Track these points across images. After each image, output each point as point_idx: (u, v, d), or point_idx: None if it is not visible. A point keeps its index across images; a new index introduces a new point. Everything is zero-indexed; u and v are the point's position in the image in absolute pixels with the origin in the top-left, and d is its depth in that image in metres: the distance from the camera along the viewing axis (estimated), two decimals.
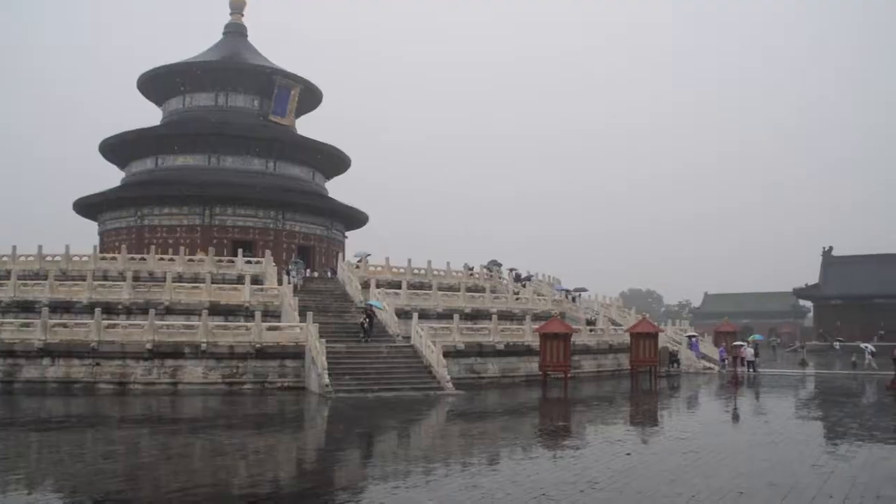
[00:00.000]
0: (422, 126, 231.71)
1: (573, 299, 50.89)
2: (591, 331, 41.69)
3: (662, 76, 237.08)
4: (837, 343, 71.63)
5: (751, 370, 41.83)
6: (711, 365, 44.94)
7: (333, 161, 61.51)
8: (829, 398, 28.85)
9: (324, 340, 28.74)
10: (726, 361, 44.53)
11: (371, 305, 34.43)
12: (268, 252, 43.42)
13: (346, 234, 63.94)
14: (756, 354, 44.43)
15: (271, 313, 33.90)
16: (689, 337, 48.33)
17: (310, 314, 31.01)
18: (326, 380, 26.93)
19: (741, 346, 45.35)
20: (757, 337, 52.32)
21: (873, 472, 13.14)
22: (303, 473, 14.21)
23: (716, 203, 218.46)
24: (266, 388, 28.88)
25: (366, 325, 32.84)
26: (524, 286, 49.46)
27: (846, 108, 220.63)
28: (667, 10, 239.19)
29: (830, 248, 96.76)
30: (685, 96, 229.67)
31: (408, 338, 32.93)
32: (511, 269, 53.24)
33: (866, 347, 46.50)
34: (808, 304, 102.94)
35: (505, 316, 39.86)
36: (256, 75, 58.21)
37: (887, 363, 36.33)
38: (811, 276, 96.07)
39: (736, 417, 22.55)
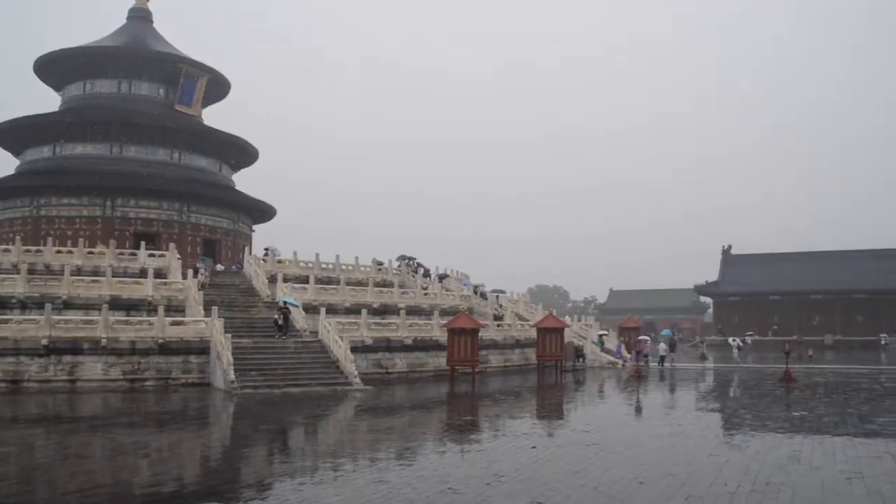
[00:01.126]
0: (352, 123, 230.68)
1: (482, 295, 51.31)
2: (498, 326, 42.16)
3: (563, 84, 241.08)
4: (748, 338, 74.17)
5: (661, 364, 42.92)
6: (616, 360, 45.97)
7: (241, 153, 60.41)
8: (726, 390, 29.94)
9: (229, 335, 28.28)
10: (629, 356, 45.60)
11: (286, 303, 33.90)
12: (172, 245, 42.36)
13: (254, 227, 62.95)
14: (673, 349, 45.74)
15: (175, 308, 33.15)
16: (601, 335, 49.35)
17: (215, 309, 30.47)
18: (232, 376, 26.50)
19: (644, 340, 46.56)
20: (666, 333, 53.76)
21: (765, 460, 13.68)
22: (207, 471, 13.97)
23: (623, 204, 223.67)
24: (170, 384, 28.25)
25: (280, 323, 32.31)
26: (441, 282, 49.58)
27: (748, 113, 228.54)
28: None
29: (729, 247, 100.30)
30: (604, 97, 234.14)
31: (315, 333, 32.66)
32: (418, 265, 53.12)
33: (734, 341, 48.12)
34: (709, 300, 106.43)
35: (413, 311, 39.94)
36: (162, 63, 56.61)
37: (778, 357, 37.80)
38: (712, 273, 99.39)
39: (638, 410, 23.14)
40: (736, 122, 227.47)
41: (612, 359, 45.93)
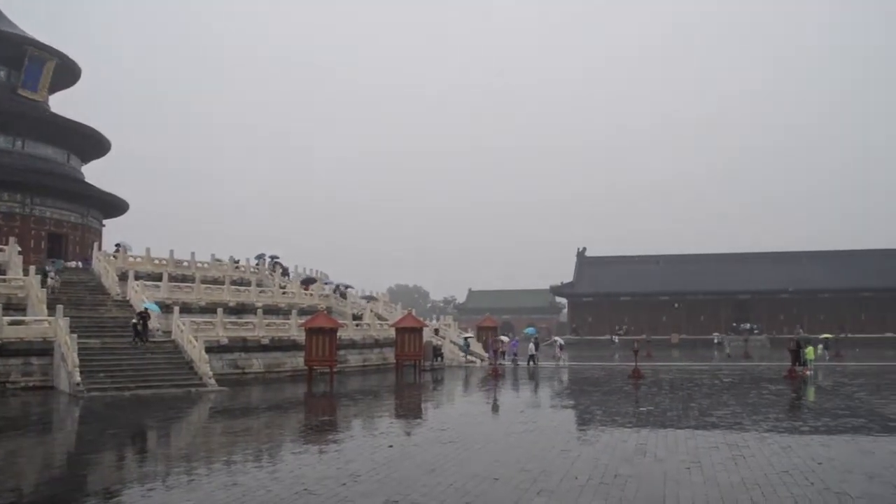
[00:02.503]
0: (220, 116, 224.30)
1: (342, 294, 51.01)
2: (357, 326, 42.03)
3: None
4: (616, 337, 76.82)
5: (530, 363, 43.74)
6: (474, 358, 46.68)
7: (91, 143, 57.14)
8: (580, 388, 30.94)
9: (76, 336, 26.98)
10: (486, 355, 46.36)
11: (146, 308, 32.11)
12: (12, 239, 39.86)
13: (104, 222, 60.09)
14: (537, 348, 46.69)
15: (15, 306, 31.22)
16: (466, 338, 49.84)
17: (60, 307, 28.96)
18: (78, 378, 25.31)
19: (503, 340, 47.49)
20: (530, 331, 54.91)
21: (613, 454, 14.24)
22: (49, 480, 13.26)
23: (488, 204, 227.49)
24: (8, 388, 26.64)
25: (139, 328, 30.57)
26: (306, 287, 48.79)
27: (607, 118, 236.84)
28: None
29: (584, 249, 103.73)
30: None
31: (169, 332, 31.63)
32: (276, 264, 52.16)
33: (556, 340, 49.80)
34: (564, 300, 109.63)
35: (271, 310, 39.31)
36: (4, 44, 53.07)
37: (627, 355, 39.42)
38: (568, 275, 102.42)
39: (494, 408, 23.59)
40: (592, 126, 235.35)
41: (471, 358, 46.60)
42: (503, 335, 54.23)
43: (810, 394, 27.06)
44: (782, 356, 41.66)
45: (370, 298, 53.02)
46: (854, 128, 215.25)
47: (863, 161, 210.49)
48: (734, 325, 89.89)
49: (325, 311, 37.39)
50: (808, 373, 34.27)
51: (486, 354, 46.39)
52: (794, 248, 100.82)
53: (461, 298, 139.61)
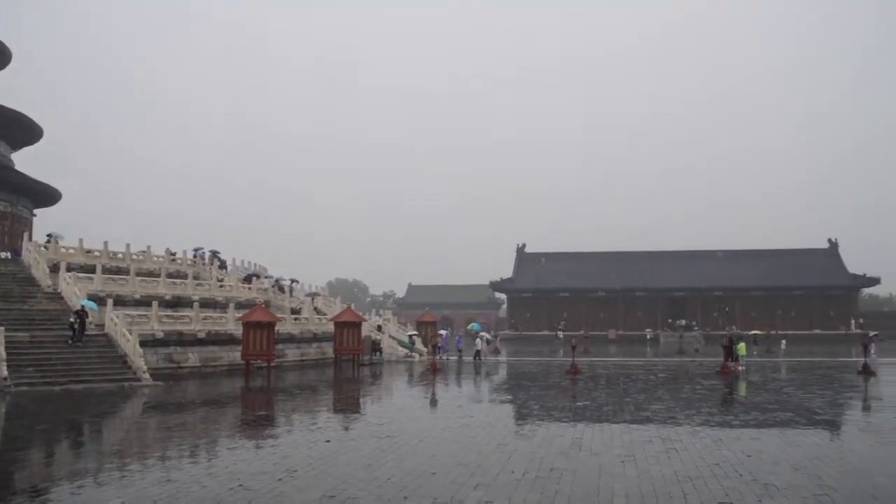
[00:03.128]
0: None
1: (280, 288, 50.54)
2: (295, 320, 41.71)
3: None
4: (561, 332, 77.35)
5: (476, 358, 43.80)
6: (413, 353, 46.69)
7: (20, 130, 55.38)
8: (518, 383, 31.17)
9: (2, 329, 26.23)
10: (425, 350, 46.41)
11: (84, 306, 31.02)
12: None
13: (35, 211, 58.44)
14: (488, 342, 46.79)
15: None
16: (411, 336, 49.77)
17: None
18: (5, 372, 24.63)
19: (441, 334, 47.58)
20: (476, 327, 55.03)
21: (549, 448, 14.39)
22: None
23: (426, 200, 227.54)
24: None
25: (76, 327, 29.41)
26: (250, 283, 48.08)
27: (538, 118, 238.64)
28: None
29: (524, 245, 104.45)
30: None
31: (102, 326, 30.95)
32: (214, 256, 51.38)
33: (483, 336, 50.08)
34: (503, 296, 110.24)
35: (208, 304, 38.78)
36: None
37: (554, 349, 39.83)
38: (508, 270, 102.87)
39: (433, 403, 23.62)
40: (532, 126, 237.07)
41: (408, 352, 46.61)
42: (441, 330, 54.40)
43: (742, 389, 27.67)
44: (716, 352, 42.55)
45: (314, 295, 52.47)
46: (798, 131, 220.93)
47: (800, 165, 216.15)
48: (669, 321, 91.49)
49: (264, 305, 36.99)
50: (740, 368, 35.04)
51: (426, 349, 46.44)
52: (730, 248, 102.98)
53: (401, 293, 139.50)
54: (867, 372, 32.95)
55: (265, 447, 14.93)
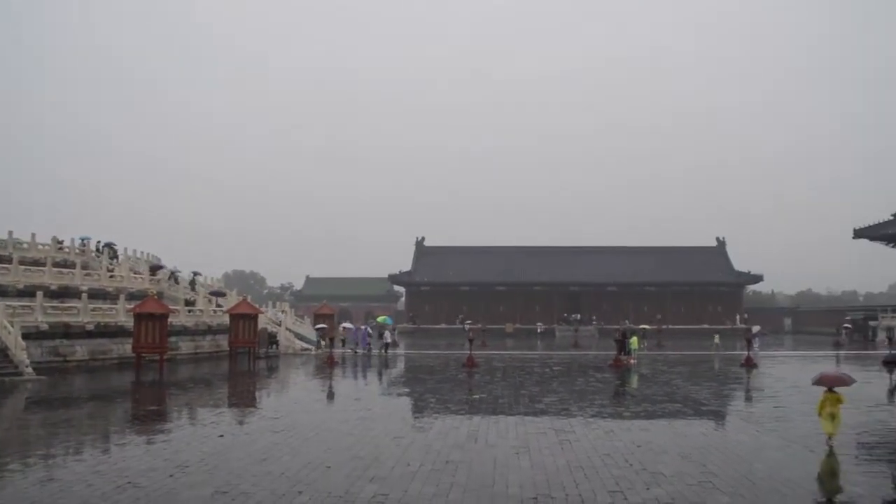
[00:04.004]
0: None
1: (176, 279, 49.25)
2: (189, 311, 40.75)
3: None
4: (467, 325, 77.42)
5: (385, 351, 43.49)
6: (309, 346, 46.23)
7: None
8: (416, 376, 31.24)
9: None
10: (324, 343, 45.98)
11: None
12: None
13: None
14: (381, 336, 46.46)
15: None
16: (346, 324, 49.05)
17: None
18: None
19: (346, 327, 47.19)
20: (387, 320, 54.62)
21: (445, 440, 14.49)
22: None
23: (323, 193, 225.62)
24: None
25: None
26: (154, 274, 46.42)
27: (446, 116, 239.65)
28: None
29: (423, 239, 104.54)
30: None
31: None
32: (105, 245, 49.57)
33: (364, 328, 49.80)
34: (402, 289, 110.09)
35: (97, 294, 37.49)
36: None
37: (452, 342, 40.04)
38: (408, 264, 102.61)
39: (330, 396, 23.46)
40: (433, 122, 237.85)
41: (305, 345, 46.12)
42: (346, 323, 54.08)
43: (633, 381, 28.45)
44: (610, 345, 43.59)
45: (218, 293, 50.58)
46: (689, 131, 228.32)
47: (701, 165, 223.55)
48: (565, 315, 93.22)
49: (156, 296, 35.94)
50: (632, 361, 36.01)
51: (324, 342, 46.04)
52: (625, 244, 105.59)
53: (298, 285, 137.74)
54: (750, 364, 34.37)
55: (156, 443, 14.52)
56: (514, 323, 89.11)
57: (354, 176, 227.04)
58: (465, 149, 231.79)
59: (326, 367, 33.90)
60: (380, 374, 31.92)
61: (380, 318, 54.07)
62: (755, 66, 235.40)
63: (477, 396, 22.70)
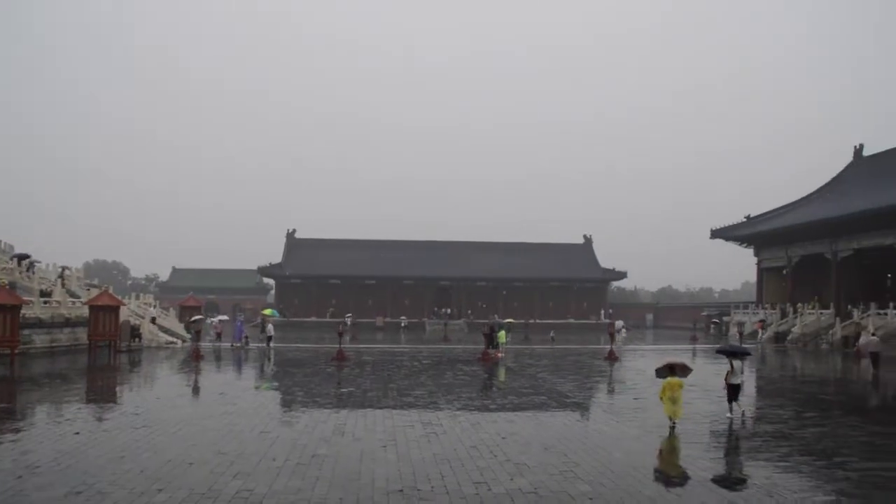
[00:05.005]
0: None
1: (28, 268, 46.72)
2: (45, 303, 38.83)
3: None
4: (348, 319, 76.60)
5: (268, 345, 42.48)
6: (175, 339, 44.89)
7: None
8: (284, 370, 30.75)
9: None
10: (188, 336, 44.77)
11: None
12: None
13: None
14: (263, 329, 45.42)
15: None
16: (220, 316, 47.50)
17: None
18: None
19: (227, 321, 45.94)
20: (274, 313, 53.35)
21: (312, 435, 14.40)
22: None
23: (195, 183, 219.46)
24: None
25: None
26: (19, 263, 43.70)
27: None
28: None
29: (294, 231, 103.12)
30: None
31: None
32: None
33: (215, 319, 49.38)
34: (272, 281, 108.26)
35: None
36: None
37: (321, 335, 39.79)
38: (278, 256, 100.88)
39: (195, 391, 22.86)
40: (312, 115, 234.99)
41: (170, 339, 44.76)
42: (222, 315, 52.85)
43: (501, 374, 28.98)
44: (479, 339, 44.29)
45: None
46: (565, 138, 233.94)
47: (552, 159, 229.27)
48: (436, 309, 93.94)
49: (7, 287, 34.00)
50: (500, 355, 36.66)
51: (189, 335, 44.82)
52: (496, 240, 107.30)
53: (164, 276, 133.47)
54: (612, 358, 35.60)
55: (3, 442, 13.76)
56: (384, 317, 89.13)
57: (226, 166, 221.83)
58: (348, 139, 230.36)
59: (192, 361, 32.99)
60: (248, 368, 31.31)
61: (266, 311, 52.83)
62: (644, 80, 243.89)
63: (345, 390, 22.62)
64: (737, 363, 18.56)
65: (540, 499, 9.97)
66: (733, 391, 18.20)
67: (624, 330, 49.87)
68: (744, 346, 23.73)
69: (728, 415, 17.96)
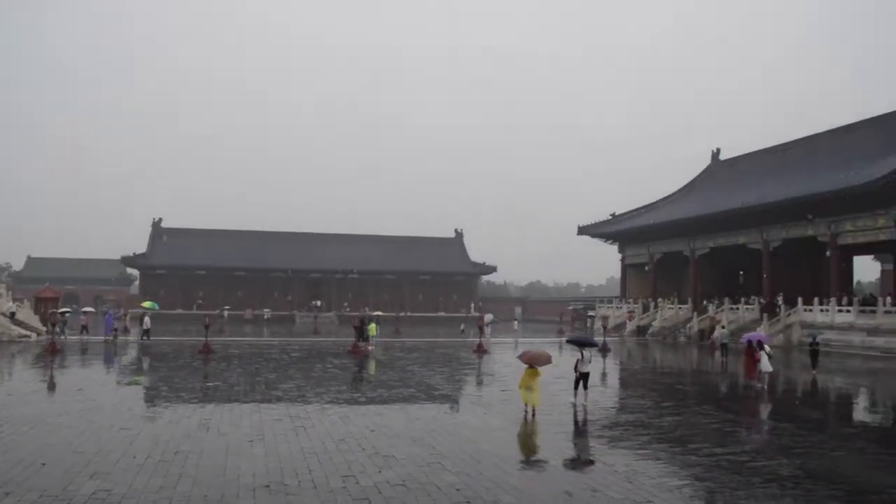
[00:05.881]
0: None
1: None
2: None
3: None
4: (224, 312, 74.34)
5: (146, 339, 40.68)
6: (29, 333, 42.73)
7: None
8: (148, 364, 29.76)
9: None
10: (44, 329, 42.73)
11: None
12: None
13: None
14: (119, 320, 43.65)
15: None
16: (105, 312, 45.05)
17: None
18: None
19: (94, 312, 43.91)
20: (154, 306, 51.13)
21: (176, 430, 14.01)
22: None
23: (48, 168, 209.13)
24: None
25: None
26: None
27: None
28: None
29: (160, 220, 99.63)
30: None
31: None
32: None
33: (109, 314, 47.52)
34: (136, 272, 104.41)
35: None
36: None
37: (188, 328, 38.69)
38: (144, 246, 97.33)
39: (51, 387, 21.81)
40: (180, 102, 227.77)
41: (23, 332, 42.57)
42: (88, 307, 50.52)
43: (371, 367, 28.97)
44: (350, 332, 44.02)
45: None
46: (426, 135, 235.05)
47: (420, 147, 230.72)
48: (308, 301, 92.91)
49: None
50: (370, 348, 36.65)
51: (45, 328, 42.73)
52: (368, 233, 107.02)
53: (18, 266, 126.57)
54: (481, 351, 36.16)
55: None
56: (253, 309, 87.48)
57: (83, 151, 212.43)
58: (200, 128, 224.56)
59: (48, 355, 31.45)
60: (110, 363, 30.13)
61: (145, 304, 50.64)
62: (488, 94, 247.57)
63: (211, 384, 22.11)
64: (586, 352, 19.47)
65: (408, 491, 10.03)
66: (582, 378, 19.12)
67: (489, 326, 50.88)
68: (592, 337, 24.98)
69: (572, 400, 18.98)
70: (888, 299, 44.23)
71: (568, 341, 21.82)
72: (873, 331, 41.34)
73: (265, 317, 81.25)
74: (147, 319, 42.92)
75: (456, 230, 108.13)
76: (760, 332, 35.35)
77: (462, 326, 57.88)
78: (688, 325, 54.47)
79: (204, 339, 34.07)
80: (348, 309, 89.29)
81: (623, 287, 73.19)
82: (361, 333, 37.55)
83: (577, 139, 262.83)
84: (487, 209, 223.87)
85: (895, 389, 25.62)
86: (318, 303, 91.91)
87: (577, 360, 19.23)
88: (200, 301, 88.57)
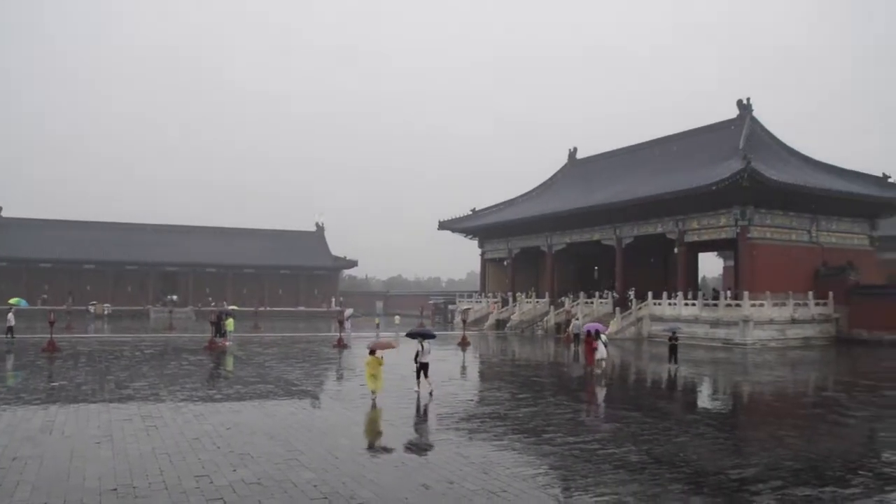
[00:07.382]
0: None
1: None
2: None
3: None
4: (92, 307, 70.57)
5: (10, 336, 37.43)
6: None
7: None
8: None
9: None
10: None
11: None
12: None
13: None
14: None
15: None
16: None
17: None
18: None
19: None
20: (21, 302, 47.28)
21: (14, 434, 13.26)
22: None
23: None
24: None
25: None
26: None
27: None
28: None
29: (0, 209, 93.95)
30: None
31: None
32: None
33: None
34: None
35: None
36: None
37: (31, 325, 36.77)
38: None
39: None
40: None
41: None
42: None
43: (228, 363, 28.30)
44: (206, 328, 42.94)
45: None
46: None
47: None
48: (163, 296, 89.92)
49: None
50: (227, 343, 35.82)
51: None
52: (226, 225, 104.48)
53: None
54: (342, 345, 35.98)
55: None
56: (103, 303, 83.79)
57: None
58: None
59: None
60: None
61: (12, 300, 46.99)
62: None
63: (56, 384, 20.99)
64: (426, 344, 20.20)
65: (264, 489, 9.86)
66: (423, 368, 19.88)
67: (350, 320, 50.64)
68: (431, 329, 25.38)
69: (415, 388, 19.75)
70: (728, 293, 47.04)
71: (407, 335, 21.94)
72: (715, 323, 43.70)
73: (105, 312, 77.52)
74: (11, 316, 39.73)
75: (317, 223, 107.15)
76: (612, 325, 36.85)
77: (397, 319, 57.93)
78: (545, 319, 55.93)
79: (49, 335, 32.39)
80: (212, 304, 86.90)
81: (483, 281, 74.35)
82: (219, 329, 36.67)
83: (444, 142, 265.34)
84: (350, 201, 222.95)
85: (734, 378, 27.10)
86: (174, 297, 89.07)
87: (417, 352, 20.07)
88: (45, 296, 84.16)
